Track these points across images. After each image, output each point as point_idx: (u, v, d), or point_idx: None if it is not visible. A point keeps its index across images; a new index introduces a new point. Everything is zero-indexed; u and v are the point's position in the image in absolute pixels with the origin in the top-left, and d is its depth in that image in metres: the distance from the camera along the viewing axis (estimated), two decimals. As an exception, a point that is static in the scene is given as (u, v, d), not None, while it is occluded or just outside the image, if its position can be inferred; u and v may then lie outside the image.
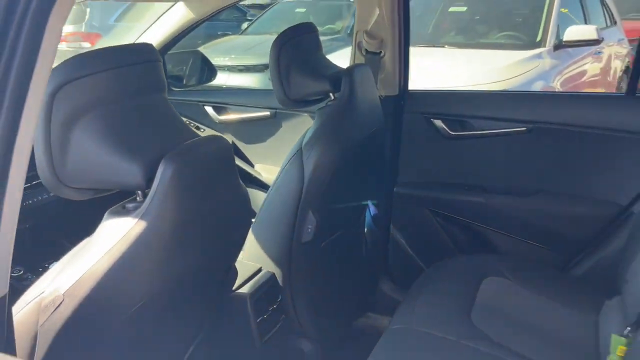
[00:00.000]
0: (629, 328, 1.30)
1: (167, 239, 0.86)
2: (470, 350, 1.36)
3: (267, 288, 1.50)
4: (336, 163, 1.54)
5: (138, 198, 0.88)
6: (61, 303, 0.79)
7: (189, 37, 2.40)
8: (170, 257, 0.88)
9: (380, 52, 1.93)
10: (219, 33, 7.42)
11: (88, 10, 7.06)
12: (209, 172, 0.94)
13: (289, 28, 1.57)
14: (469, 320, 1.46)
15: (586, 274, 1.83)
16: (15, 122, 0.64)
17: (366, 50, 1.93)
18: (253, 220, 1.58)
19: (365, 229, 2.08)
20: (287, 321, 1.58)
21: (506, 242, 1.96)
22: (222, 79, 5.11)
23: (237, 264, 1.26)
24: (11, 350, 0.65)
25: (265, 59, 1.54)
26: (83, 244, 0.88)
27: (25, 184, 0.68)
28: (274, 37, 1.53)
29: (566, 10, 5.18)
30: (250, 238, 1.58)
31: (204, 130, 2.46)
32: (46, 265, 1.59)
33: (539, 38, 4.51)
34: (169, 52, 2.38)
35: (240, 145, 2.44)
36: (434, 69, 4.18)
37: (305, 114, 2.24)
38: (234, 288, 1.42)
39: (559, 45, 4.47)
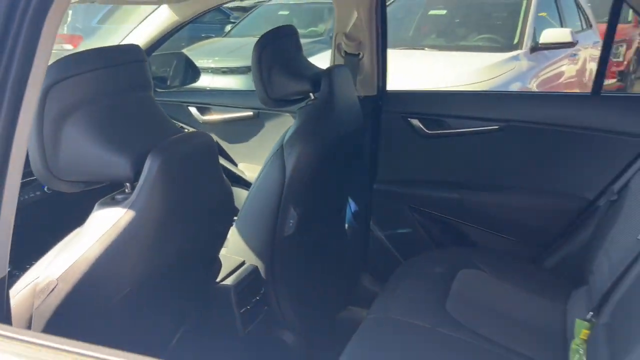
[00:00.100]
0: (591, 313, 1.38)
1: (154, 228, 0.92)
2: (444, 336, 1.43)
3: (250, 280, 1.55)
4: (316, 160, 1.60)
5: (126, 190, 0.93)
6: (55, 287, 0.84)
7: (173, 40, 2.44)
8: (157, 245, 0.94)
9: (359, 53, 2.00)
10: (202, 35, 7.45)
11: (70, 12, 7.04)
12: (194, 165, 0.99)
13: (270, 30, 1.63)
14: (443, 309, 1.53)
15: (556, 266, 1.92)
16: (13, 119, 0.69)
17: (345, 52, 2.00)
18: (235, 218, 1.64)
19: (346, 225, 2.14)
20: (269, 312, 1.64)
21: (480, 235, 2.04)
22: (205, 81, 5.15)
23: (221, 258, 1.32)
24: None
25: (248, 61, 1.60)
26: (74, 234, 0.93)
27: None
28: (257, 39, 1.60)
29: (545, 14, 5.32)
30: (234, 233, 1.63)
31: (188, 130, 2.51)
32: (33, 262, 1.63)
33: (516, 40, 4.63)
34: (153, 54, 2.43)
35: (224, 144, 2.49)
36: (415, 70, 4.27)
37: (287, 114, 2.30)
38: (218, 280, 1.47)
39: (535, 47, 4.60)
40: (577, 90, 5.27)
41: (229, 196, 1.12)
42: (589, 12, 6.14)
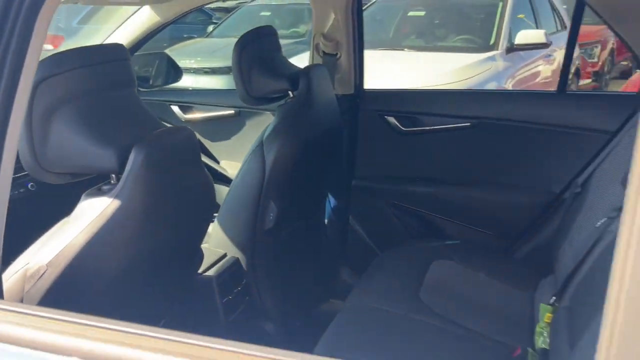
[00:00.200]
0: (554, 297, 1.46)
1: (138, 216, 0.97)
2: (417, 322, 1.50)
3: (232, 271, 1.61)
4: (295, 156, 1.66)
5: (112, 181, 0.99)
6: (44, 272, 0.89)
7: (155, 40, 2.49)
8: (142, 233, 0.99)
9: (337, 53, 2.07)
10: (184, 36, 7.46)
11: (51, 12, 6.98)
12: (176, 158, 1.05)
13: (250, 31, 1.69)
14: (417, 298, 1.60)
15: (526, 256, 2.01)
16: (6, 114, 0.75)
17: (323, 51, 2.07)
18: (216, 215, 1.69)
19: (326, 220, 2.21)
20: (251, 303, 1.70)
21: (454, 228, 2.13)
22: (188, 82, 5.18)
23: (203, 251, 1.38)
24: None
25: (230, 62, 1.65)
26: (62, 223, 0.98)
27: None
28: (238, 39, 1.65)
29: (523, 15, 5.46)
30: (216, 226, 1.69)
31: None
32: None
33: (492, 41, 4.75)
34: (135, 54, 2.47)
35: (206, 142, 2.54)
36: (394, 71, 4.36)
37: (268, 112, 2.36)
38: (200, 271, 1.53)
39: (511, 48, 4.72)
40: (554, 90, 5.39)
41: (210, 188, 1.18)
42: (564, 14, 6.29)
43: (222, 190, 2.38)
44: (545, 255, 1.83)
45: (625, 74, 7.51)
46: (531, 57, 4.93)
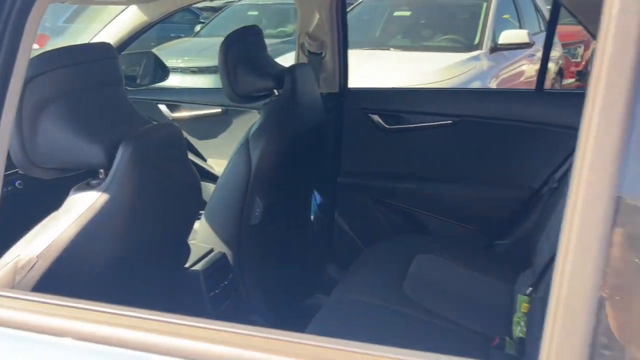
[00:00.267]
0: (530, 288, 1.52)
1: (126, 210, 1.00)
2: (400, 313, 1.55)
3: (219, 266, 1.64)
4: (280, 153, 1.70)
5: (101, 176, 1.02)
6: (35, 264, 0.92)
7: (142, 39, 2.51)
8: (130, 226, 1.03)
9: (322, 52, 2.11)
10: (172, 35, 7.45)
11: (36, 11, 6.93)
12: (163, 153, 1.08)
13: (236, 30, 1.73)
14: (400, 290, 1.65)
15: (506, 250, 2.06)
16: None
17: (308, 51, 2.11)
18: (202, 212, 1.72)
19: (312, 216, 2.25)
20: (237, 297, 1.73)
21: (437, 223, 2.18)
22: (175, 81, 5.18)
23: (190, 246, 1.41)
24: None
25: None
26: (51, 217, 1.01)
27: None
28: (224, 38, 1.68)
29: (508, 16, 5.53)
30: (203, 222, 1.72)
31: (158, 127, 2.57)
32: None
33: (476, 41, 4.82)
34: (122, 54, 2.49)
35: (193, 140, 2.57)
36: (380, 70, 4.41)
37: (254, 111, 2.40)
38: (187, 266, 1.56)
39: (495, 48, 4.79)
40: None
41: (196, 183, 1.21)
42: (547, 14, 6.38)
43: (209, 188, 2.41)
44: (525, 249, 1.89)
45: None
46: (515, 57, 5.00)
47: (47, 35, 6.92)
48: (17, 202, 1.80)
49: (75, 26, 6.67)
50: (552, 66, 5.86)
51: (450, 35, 5.16)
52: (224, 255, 1.68)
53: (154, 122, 2.54)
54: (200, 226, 1.72)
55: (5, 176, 1.74)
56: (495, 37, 4.89)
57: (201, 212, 1.72)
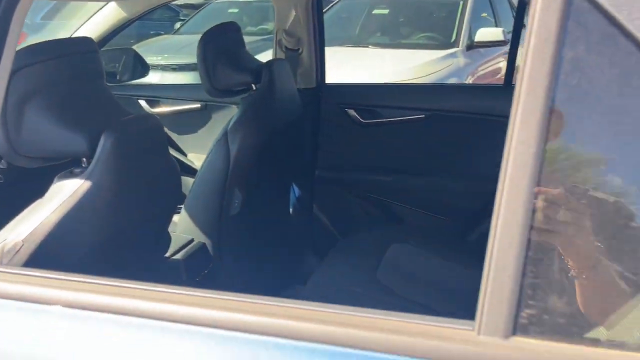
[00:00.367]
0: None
1: (108, 197, 1.05)
2: (373, 299, 1.61)
3: (199, 256, 1.69)
4: (258, 145, 1.75)
5: (83, 164, 1.06)
6: (21, 248, 0.96)
7: (122, 37, 2.53)
8: (111, 212, 1.07)
9: (299, 49, 2.16)
10: (151, 32, 7.43)
11: (13, 8, 6.85)
12: (143, 143, 1.13)
13: (214, 26, 1.77)
14: (374, 277, 1.71)
15: (478, 238, 2.14)
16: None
17: (286, 47, 2.16)
18: (180, 206, 1.76)
19: (291, 209, 2.30)
20: (217, 286, 1.78)
21: (412, 214, 2.25)
22: (155, 78, 5.19)
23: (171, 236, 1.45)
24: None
25: (198, 58, 1.72)
26: (36, 203, 1.05)
27: None
28: (202, 34, 1.73)
29: (485, 14, 5.64)
30: (183, 213, 1.76)
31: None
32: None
33: (453, 39, 4.91)
34: (102, 50, 2.51)
35: (173, 136, 2.60)
36: (359, 67, 4.49)
37: (233, 106, 2.44)
38: (168, 255, 1.60)
39: (471, 45, 4.89)
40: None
41: (176, 172, 1.26)
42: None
43: (189, 182, 2.45)
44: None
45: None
46: (491, 54, 5.11)
47: (25, 32, 6.85)
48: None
49: (54, 23, 6.62)
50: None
51: (428, 33, 5.25)
52: (204, 245, 1.73)
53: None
54: (180, 217, 1.77)
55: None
56: (471, 34, 4.99)
57: (180, 205, 1.76)
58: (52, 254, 0.99)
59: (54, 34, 6.57)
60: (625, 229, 0.57)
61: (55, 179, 1.06)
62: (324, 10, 5.72)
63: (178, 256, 1.63)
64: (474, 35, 4.94)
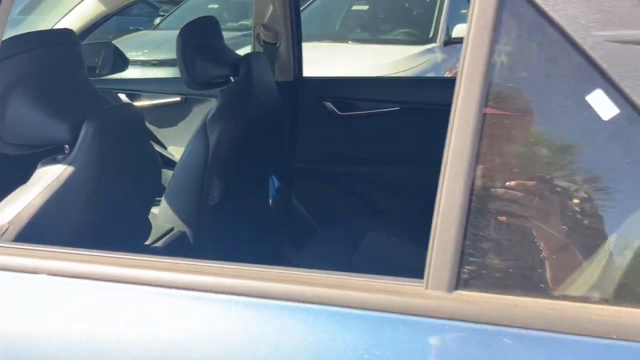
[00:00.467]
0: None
1: (91, 182, 1.09)
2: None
3: (179, 244, 1.74)
4: (237, 136, 1.80)
5: (66, 151, 1.11)
6: (7, 230, 1.00)
7: (101, 32, 2.55)
8: (94, 197, 1.12)
9: (276, 42, 2.21)
10: (131, 28, 7.40)
11: (-11, 2, 6.77)
12: (124, 130, 1.18)
13: (193, 20, 1.81)
14: (349, 261, 1.78)
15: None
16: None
17: (264, 41, 2.21)
18: (159, 199, 1.80)
19: (270, 200, 2.36)
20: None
21: (387, 204, 2.32)
22: (135, 74, 5.17)
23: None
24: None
25: (177, 54, 1.76)
26: (20, 188, 1.09)
27: None
28: (181, 28, 1.77)
29: (465, 11, 5.74)
30: (163, 203, 1.81)
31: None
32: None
33: (431, 35, 5.00)
34: (82, 44, 2.52)
35: (154, 129, 2.63)
36: (338, 62, 4.54)
37: (213, 99, 2.48)
38: (148, 243, 1.65)
39: (449, 41, 4.98)
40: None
41: (155, 158, 1.31)
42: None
43: (169, 175, 2.49)
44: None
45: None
46: (468, 50, 5.20)
47: (1, 27, 6.76)
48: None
49: (32, 18, 6.56)
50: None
51: (407, 29, 5.32)
52: (184, 234, 1.77)
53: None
54: (160, 207, 1.81)
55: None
56: (449, 30, 5.07)
57: (159, 198, 1.80)
58: (36, 236, 1.03)
59: (32, 28, 6.50)
60: (551, 194, 0.65)
61: (39, 165, 1.10)
62: (305, 6, 5.77)
63: (158, 244, 1.67)
64: (452, 31, 5.02)
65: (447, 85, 2.32)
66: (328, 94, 2.34)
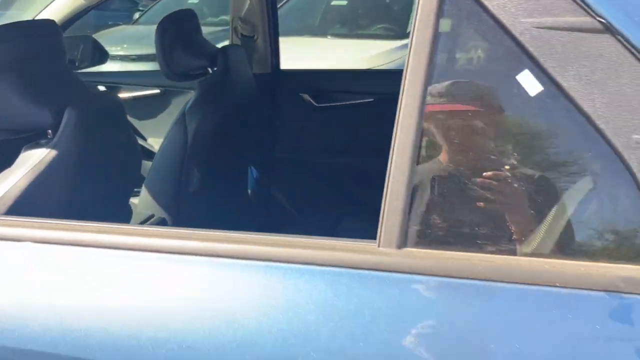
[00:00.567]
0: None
1: (73, 165, 1.15)
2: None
3: (159, 230, 1.79)
4: (215, 126, 1.85)
5: (49, 136, 1.16)
6: (-8, 211, 1.05)
7: (80, 27, 2.57)
8: (76, 180, 1.17)
9: (254, 35, 2.27)
10: (109, 23, 7.35)
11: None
12: (105, 117, 1.23)
13: (171, 12, 1.86)
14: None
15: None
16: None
17: (241, 34, 2.27)
18: (137, 190, 1.85)
19: (249, 190, 2.41)
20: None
21: (362, 192, 2.40)
22: (114, 69, 5.18)
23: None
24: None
25: (157, 49, 1.80)
26: (5, 171, 1.14)
27: None
28: (159, 21, 1.81)
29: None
30: (143, 191, 1.85)
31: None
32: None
33: (408, 29, 5.08)
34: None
35: (133, 121, 2.66)
36: (318, 56, 4.60)
37: (191, 91, 2.52)
38: (130, 229, 1.70)
39: (425, 36, 5.06)
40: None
41: (135, 143, 1.36)
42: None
43: (149, 166, 2.53)
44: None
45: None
46: (444, 45, 5.29)
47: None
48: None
49: (10, 13, 6.50)
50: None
51: (385, 24, 5.40)
52: (163, 220, 1.82)
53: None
54: (140, 195, 1.86)
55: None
56: (425, 25, 5.16)
57: (137, 189, 1.85)
58: (21, 215, 1.08)
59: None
60: (485, 162, 0.73)
61: (23, 149, 1.15)
62: (285, 1, 5.79)
63: (139, 230, 1.72)
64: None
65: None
66: (305, 86, 2.40)
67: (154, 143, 2.66)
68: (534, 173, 0.70)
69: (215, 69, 1.92)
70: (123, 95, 2.68)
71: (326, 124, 2.42)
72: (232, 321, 0.75)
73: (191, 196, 1.87)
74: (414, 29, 0.71)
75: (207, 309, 0.79)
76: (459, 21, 0.70)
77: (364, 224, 2.06)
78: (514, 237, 0.71)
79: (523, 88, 0.67)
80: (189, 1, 7.22)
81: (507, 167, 0.69)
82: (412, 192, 0.75)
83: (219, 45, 2.24)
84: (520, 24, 0.66)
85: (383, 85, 2.33)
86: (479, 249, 0.70)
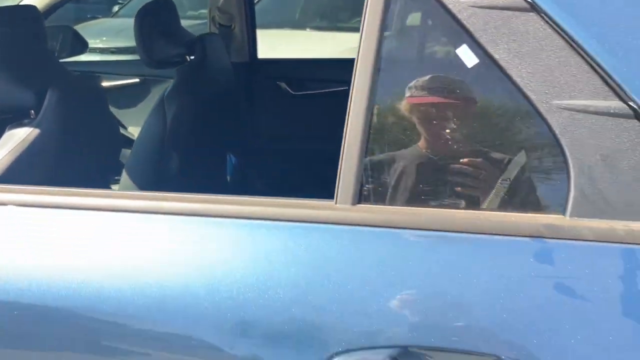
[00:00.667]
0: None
1: (55, 144, 1.21)
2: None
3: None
4: (193, 112, 1.92)
5: (32, 116, 1.21)
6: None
7: (58, 21, 2.60)
8: (58, 159, 1.23)
9: (231, 25, 2.33)
10: (88, 16, 7.31)
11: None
12: (86, 98, 1.29)
13: (150, 1, 1.92)
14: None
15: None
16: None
17: (219, 23, 2.33)
18: (119, 177, 1.90)
19: (228, 177, 2.48)
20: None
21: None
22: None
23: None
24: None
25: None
26: (-10, 150, 1.20)
27: None
28: (138, 10, 1.86)
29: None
30: (123, 175, 1.91)
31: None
32: None
33: (386, 23, 5.16)
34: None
35: (114, 110, 2.69)
36: (296, 48, 4.67)
37: (171, 80, 2.57)
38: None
39: (403, 28, 5.16)
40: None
41: (115, 123, 1.43)
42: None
43: (129, 154, 2.58)
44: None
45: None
46: (422, 37, 5.39)
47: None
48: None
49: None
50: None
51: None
52: (144, 203, 1.89)
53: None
54: (121, 179, 1.91)
55: None
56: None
57: (117, 177, 1.90)
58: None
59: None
60: (429, 124, 0.82)
61: (7, 129, 1.21)
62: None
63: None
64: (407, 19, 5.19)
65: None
66: (281, 74, 2.47)
67: (134, 132, 2.71)
68: (472, 135, 0.80)
69: (193, 57, 1.98)
70: (103, 84, 2.72)
71: (302, 112, 2.49)
72: (203, 268, 0.83)
73: (170, 182, 1.93)
74: (364, 11, 0.79)
75: (181, 261, 0.87)
76: (406, 6, 0.79)
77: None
78: (454, 193, 0.82)
79: (462, 60, 0.76)
80: (169, -6, 7.22)
81: (447, 130, 0.79)
82: (366, 153, 0.83)
83: (198, 36, 2.30)
84: (459, 4, 0.75)
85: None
86: (424, 203, 0.80)
